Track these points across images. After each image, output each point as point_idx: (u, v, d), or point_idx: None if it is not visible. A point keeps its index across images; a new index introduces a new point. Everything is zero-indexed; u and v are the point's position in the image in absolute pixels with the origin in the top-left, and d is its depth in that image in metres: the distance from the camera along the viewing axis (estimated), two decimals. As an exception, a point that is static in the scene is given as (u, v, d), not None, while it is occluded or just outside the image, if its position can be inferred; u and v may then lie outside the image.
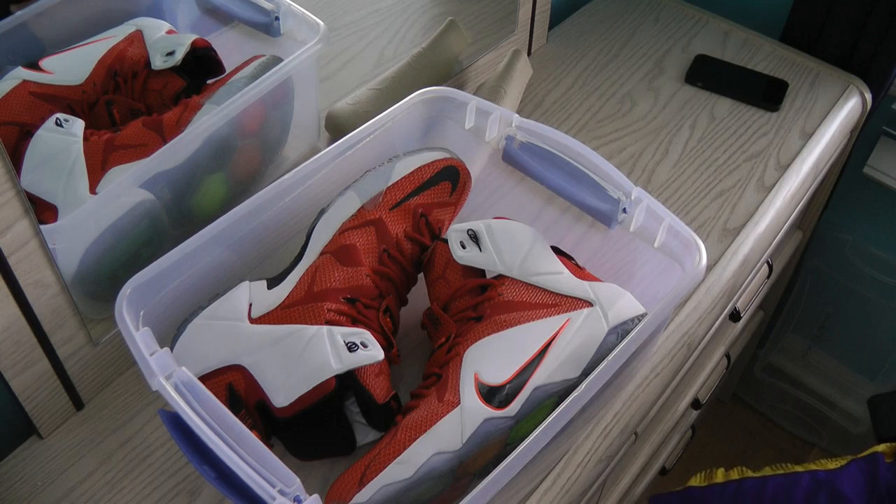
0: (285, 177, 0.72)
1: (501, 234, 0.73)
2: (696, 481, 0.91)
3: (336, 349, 0.66)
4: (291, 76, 0.85)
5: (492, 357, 0.66)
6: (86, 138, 0.72)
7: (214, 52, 0.82)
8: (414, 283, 0.78)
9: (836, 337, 1.67)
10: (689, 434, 1.41)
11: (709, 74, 1.15)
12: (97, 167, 0.72)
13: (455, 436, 0.62)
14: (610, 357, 0.63)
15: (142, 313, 0.64)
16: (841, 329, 1.65)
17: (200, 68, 0.81)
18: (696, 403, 1.23)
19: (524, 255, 0.72)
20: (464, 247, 0.73)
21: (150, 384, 0.58)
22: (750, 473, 0.89)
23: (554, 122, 1.08)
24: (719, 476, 0.90)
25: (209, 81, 0.82)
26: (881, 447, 0.85)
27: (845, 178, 1.33)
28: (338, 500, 0.61)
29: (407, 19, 1.07)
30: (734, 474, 0.89)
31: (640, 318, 0.69)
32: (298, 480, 0.54)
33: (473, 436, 0.62)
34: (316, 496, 0.54)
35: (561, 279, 0.71)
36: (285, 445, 0.70)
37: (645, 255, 0.76)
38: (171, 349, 0.67)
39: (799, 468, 0.87)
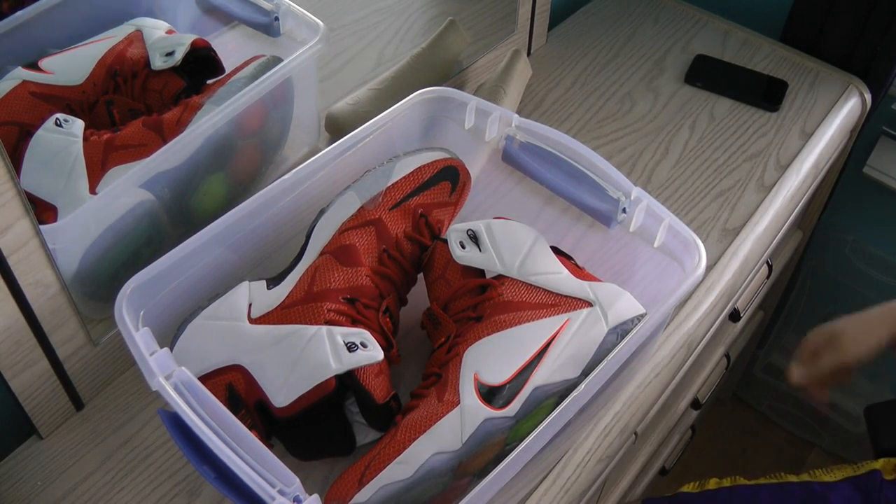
0: (285, 177, 0.72)
1: (501, 234, 0.73)
2: (688, 488, 0.91)
3: (336, 349, 0.66)
4: (291, 76, 0.85)
5: (491, 357, 0.66)
6: (86, 138, 0.72)
7: (214, 52, 0.82)
8: (414, 283, 0.78)
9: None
10: (689, 434, 1.41)
11: (709, 74, 1.15)
12: (97, 167, 0.72)
13: (455, 436, 0.62)
14: (610, 357, 0.63)
15: (142, 313, 0.64)
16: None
17: (200, 68, 0.81)
18: (695, 403, 1.23)
19: (524, 255, 0.72)
20: (463, 247, 0.73)
21: (149, 384, 0.58)
22: (743, 481, 0.88)
23: (554, 122, 1.08)
24: (712, 484, 0.89)
25: (209, 81, 0.82)
26: (878, 463, 0.85)
27: (845, 178, 1.33)
28: (338, 500, 0.61)
29: (407, 19, 1.07)
30: (727, 482, 0.89)
31: (639, 318, 0.69)
32: (298, 480, 0.54)
33: (473, 436, 0.62)
34: (316, 496, 0.54)
35: (561, 279, 0.71)
36: (285, 445, 0.70)
37: (645, 255, 0.76)
38: (171, 349, 0.67)
39: (793, 478, 0.86)
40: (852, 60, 1.19)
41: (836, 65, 1.19)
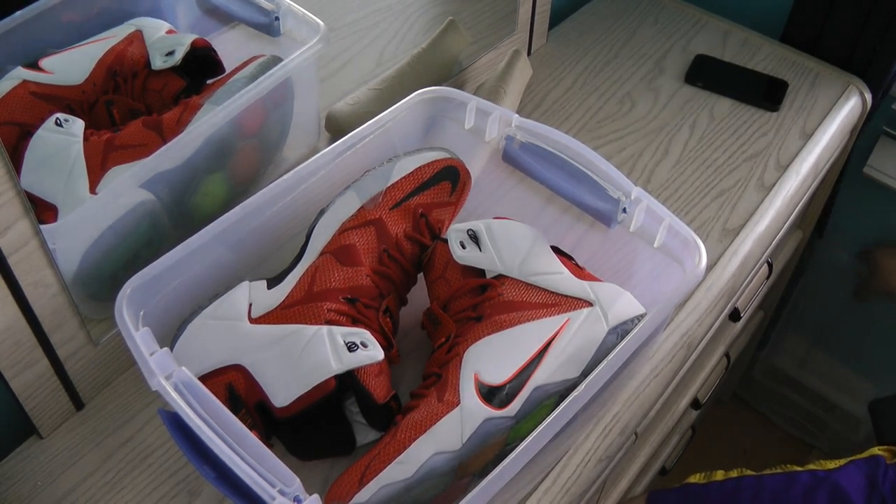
0: (285, 177, 0.72)
1: (501, 234, 0.73)
2: (695, 479, 0.91)
3: (336, 349, 0.66)
4: (291, 76, 0.85)
5: (492, 357, 0.66)
6: (86, 138, 0.72)
7: (214, 52, 0.82)
8: (414, 283, 0.78)
9: (836, 337, 1.67)
10: (689, 434, 1.41)
11: (709, 74, 1.15)
12: (97, 167, 0.72)
13: (455, 436, 0.62)
14: (610, 357, 0.63)
15: (142, 313, 0.64)
16: (841, 329, 1.65)
17: (200, 68, 0.81)
18: (695, 403, 1.23)
19: (524, 255, 0.72)
20: (464, 247, 0.73)
21: (150, 384, 0.58)
22: (749, 473, 0.89)
23: (554, 122, 1.08)
24: (719, 475, 0.90)
25: (209, 81, 0.82)
26: (880, 449, 0.86)
27: (845, 178, 1.33)
28: (338, 500, 0.61)
29: (407, 19, 1.07)
30: (733, 473, 0.90)
31: (639, 318, 0.69)
32: (298, 480, 0.54)
33: (473, 436, 0.62)
34: (316, 496, 0.54)
35: (561, 279, 0.71)
36: (285, 445, 0.70)
37: (645, 255, 0.76)
38: (171, 349, 0.67)
39: (798, 468, 0.87)
40: (852, 60, 1.19)
41: (836, 65, 1.19)
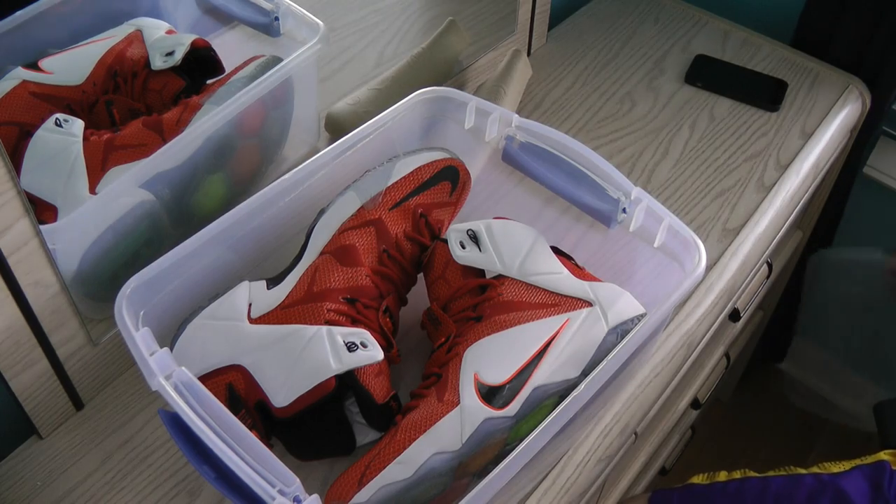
0: (285, 177, 0.72)
1: (501, 234, 0.73)
2: (698, 479, 0.91)
3: (336, 349, 0.66)
4: (291, 76, 0.85)
5: (491, 357, 0.66)
6: (86, 138, 0.72)
7: (214, 52, 0.82)
8: (414, 283, 0.78)
9: (836, 337, 1.67)
10: (689, 434, 1.41)
11: (709, 74, 1.15)
12: (97, 167, 0.72)
13: (455, 436, 0.62)
14: (609, 357, 0.63)
15: (142, 313, 0.64)
16: (841, 329, 1.64)
17: (200, 68, 0.81)
18: (695, 403, 1.23)
19: (524, 255, 0.72)
20: (463, 247, 0.73)
21: (150, 384, 0.58)
22: (753, 474, 0.89)
23: (554, 122, 1.08)
24: (722, 476, 0.90)
25: (209, 81, 0.82)
26: (886, 455, 0.85)
27: (845, 178, 1.33)
28: (338, 500, 0.61)
29: (407, 19, 1.07)
30: (737, 474, 0.90)
31: (639, 318, 0.69)
32: (298, 480, 0.54)
33: (473, 436, 0.62)
34: (316, 496, 0.54)
35: (561, 279, 0.71)
36: (285, 445, 0.70)
37: (645, 255, 0.76)
38: (171, 349, 0.67)
39: (802, 470, 0.87)
40: (862, 65, 1.19)
41: (846, 69, 1.18)
